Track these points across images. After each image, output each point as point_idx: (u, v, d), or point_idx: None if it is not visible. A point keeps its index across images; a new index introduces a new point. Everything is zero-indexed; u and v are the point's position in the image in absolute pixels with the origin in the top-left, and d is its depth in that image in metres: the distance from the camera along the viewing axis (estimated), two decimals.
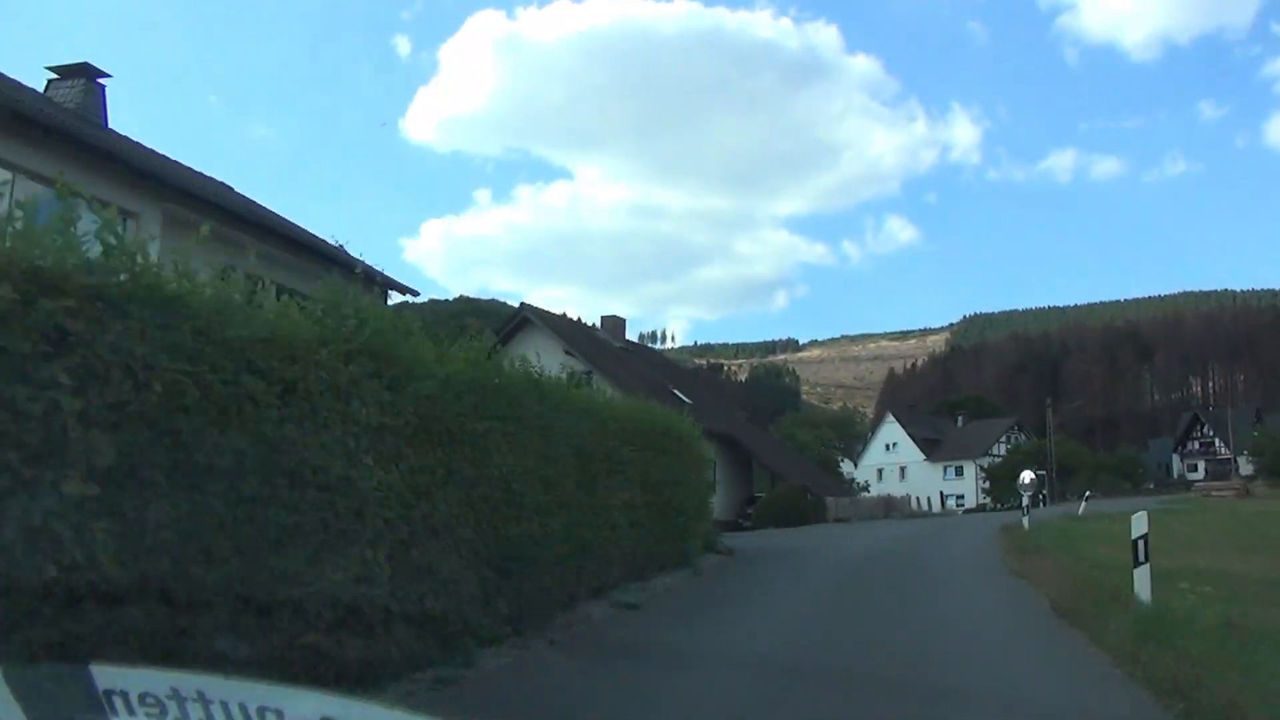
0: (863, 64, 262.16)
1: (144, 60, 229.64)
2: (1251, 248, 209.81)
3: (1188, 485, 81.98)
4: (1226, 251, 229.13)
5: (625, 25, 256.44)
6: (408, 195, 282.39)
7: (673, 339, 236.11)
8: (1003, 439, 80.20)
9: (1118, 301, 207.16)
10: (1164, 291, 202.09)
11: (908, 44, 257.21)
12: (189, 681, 1.72)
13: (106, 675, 1.82)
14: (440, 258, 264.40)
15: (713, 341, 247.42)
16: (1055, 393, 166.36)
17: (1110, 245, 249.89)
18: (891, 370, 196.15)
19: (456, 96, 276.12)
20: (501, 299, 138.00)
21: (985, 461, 74.13)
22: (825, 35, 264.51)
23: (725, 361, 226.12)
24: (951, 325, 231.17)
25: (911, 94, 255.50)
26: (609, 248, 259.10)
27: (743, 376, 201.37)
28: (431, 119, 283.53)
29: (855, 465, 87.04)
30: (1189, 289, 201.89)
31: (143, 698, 1.66)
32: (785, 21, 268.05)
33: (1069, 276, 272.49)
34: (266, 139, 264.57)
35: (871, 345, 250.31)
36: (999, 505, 61.75)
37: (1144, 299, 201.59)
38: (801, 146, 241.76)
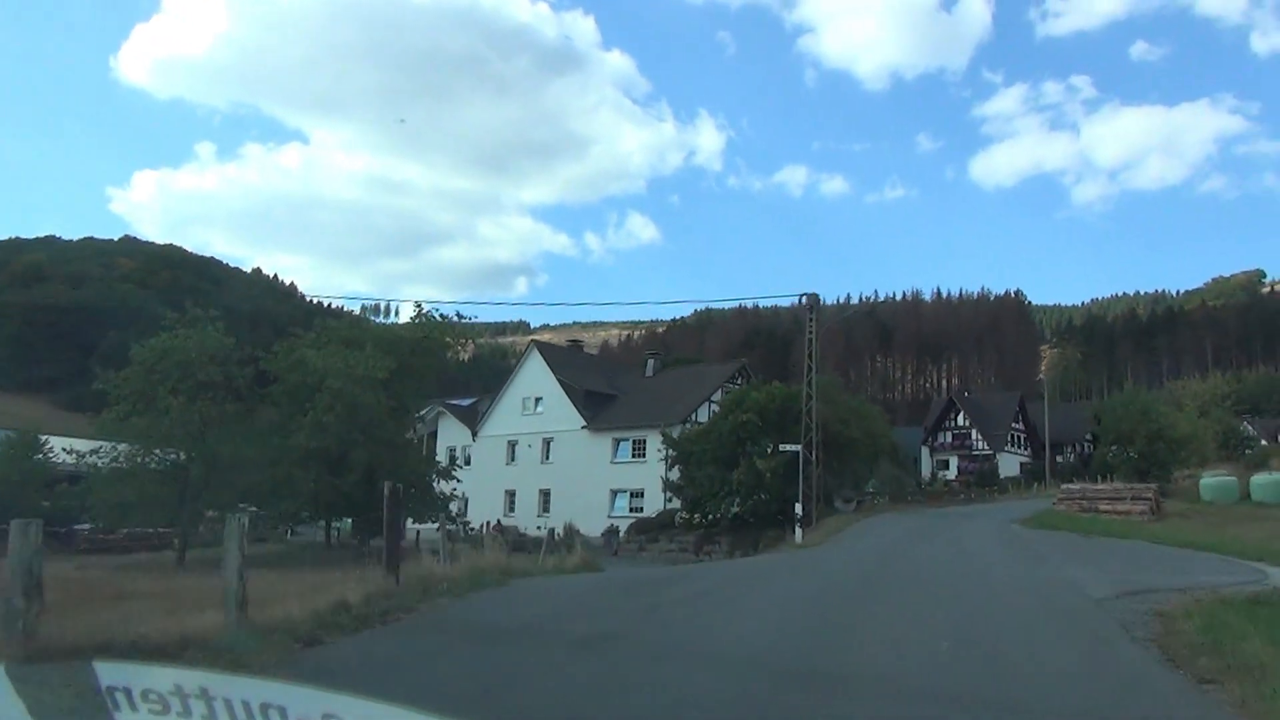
0: (618, 60, 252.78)
1: None
2: (955, 265, 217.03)
3: (991, 484, 54.09)
4: (935, 264, 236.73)
5: None
6: (117, 141, 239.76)
7: (396, 312, 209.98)
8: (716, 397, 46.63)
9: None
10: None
11: (662, 46, 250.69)
12: (192, 678, 1.81)
13: (110, 672, 1.89)
14: (153, 211, 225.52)
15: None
16: (785, 374, 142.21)
17: (836, 253, 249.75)
18: (605, 342, 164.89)
19: (179, 38, 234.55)
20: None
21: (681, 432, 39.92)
22: (583, 26, 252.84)
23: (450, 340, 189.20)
24: (683, 319, 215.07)
25: (662, 96, 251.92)
26: (345, 219, 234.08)
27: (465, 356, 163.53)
28: (148, 60, 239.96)
29: (473, 437, 50.44)
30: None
31: (146, 694, 1.66)
32: (543, 7, 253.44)
33: (800, 285, 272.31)
34: None
35: (602, 334, 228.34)
36: (690, 520, 28.83)
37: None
38: (552, 135, 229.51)
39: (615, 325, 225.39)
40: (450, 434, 52.26)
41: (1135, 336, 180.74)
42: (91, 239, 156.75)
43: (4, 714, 1.59)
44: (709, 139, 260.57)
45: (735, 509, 29.54)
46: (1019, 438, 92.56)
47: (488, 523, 47.81)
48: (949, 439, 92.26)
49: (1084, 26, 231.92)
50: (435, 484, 41.25)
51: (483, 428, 50.16)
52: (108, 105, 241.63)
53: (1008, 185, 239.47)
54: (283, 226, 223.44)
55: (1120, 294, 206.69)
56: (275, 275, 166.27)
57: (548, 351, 48.76)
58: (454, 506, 46.62)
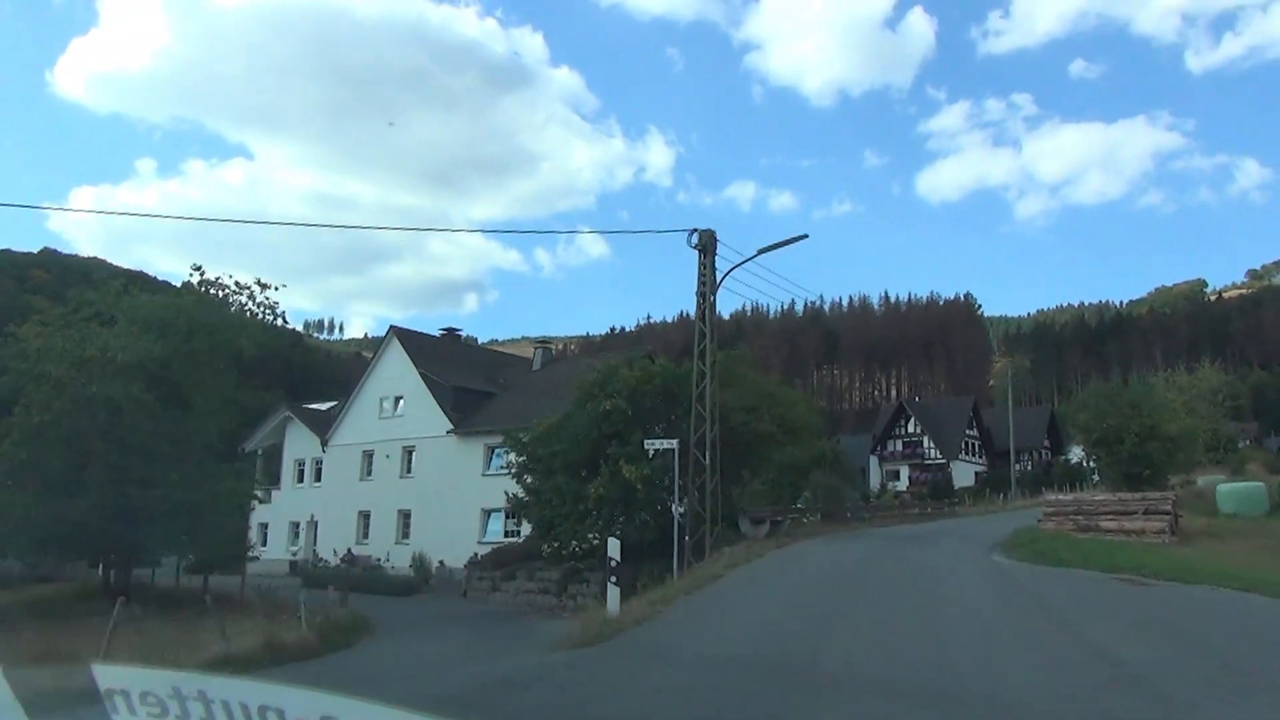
0: (566, 77, 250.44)
1: None
2: (904, 275, 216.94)
3: (952, 496, 46.42)
4: (884, 275, 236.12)
5: (318, 2, 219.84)
6: (53, 157, 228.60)
7: (340, 329, 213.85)
8: None
9: None
10: None
11: (610, 62, 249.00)
12: (190, 681, 1.74)
13: (108, 674, 1.85)
14: (92, 229, 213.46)
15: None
16: None
17: (784, 265, 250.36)
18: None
19: (117, 53, 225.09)
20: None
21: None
22: (532, 43, 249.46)
23: None
24: (623, 329, 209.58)
25: (612, 112, 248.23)
26: (290, 235, 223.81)
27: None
28: (85, 74, 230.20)
29: (323, 447, 41.18)
30: None
31: (144, 696, 1.66)
32: (491, 23, 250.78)
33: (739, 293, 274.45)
34: None
35: (554, 349, 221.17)
36: (558, 551, 20.34)
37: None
38: (501, 151, 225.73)
39: (564, 339, 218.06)
40: (299, 444, 42.80)
41: (1084, 343, 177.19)
42: (9, 251, 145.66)
43: (4, 715, 1.58)
44: (658, 155, 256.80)
45: (593, 537, 20.82)
46: (973, 445, 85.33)
47: (337, 552, 38.60)
48: (899, 447, 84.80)
49: (1024, 45, 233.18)
50: (247, 509, 32.00)
51: (334, 435, 40.75)
52: (44, 120, 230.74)
53: (953, 200, 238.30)
54: (226, 243, 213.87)
55: (1066, 305, 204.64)
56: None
57: (410, 340, 39.58)
58: (305, 532, 37.24)
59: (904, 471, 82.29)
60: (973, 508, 45.89)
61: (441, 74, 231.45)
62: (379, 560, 36.70)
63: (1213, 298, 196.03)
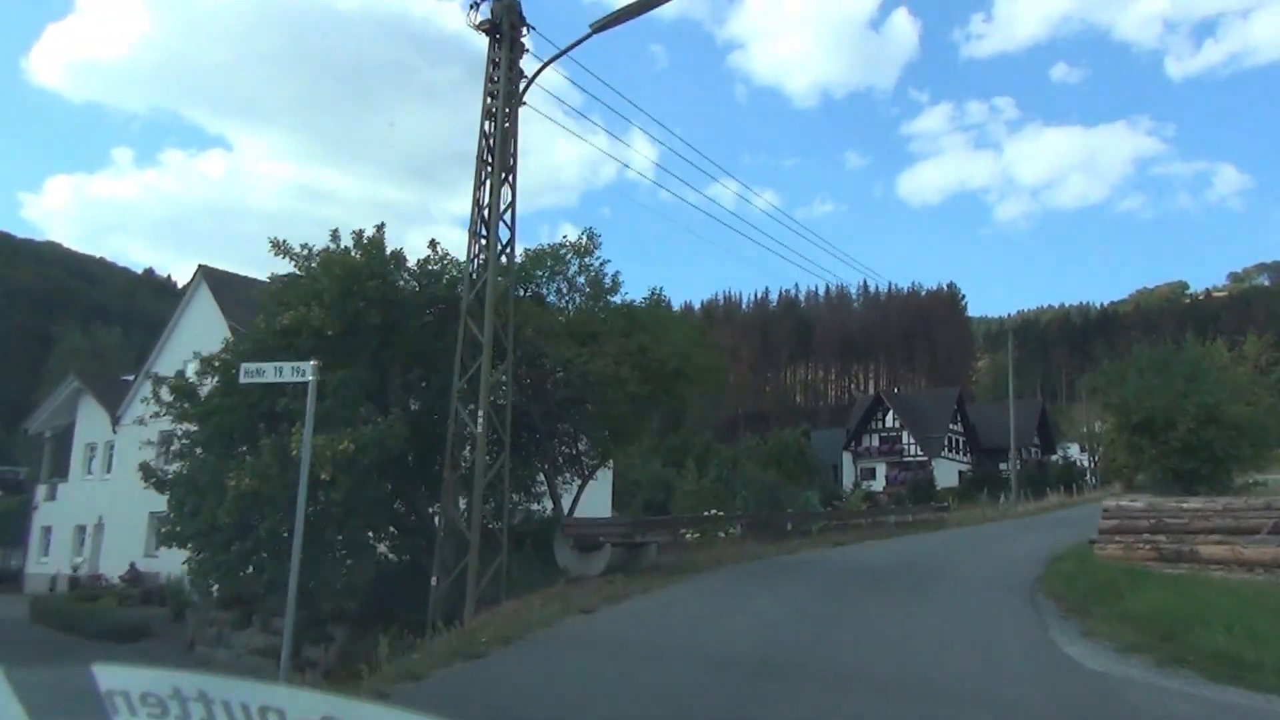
0: (549, 71, 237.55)
1: None
2: (885, 269, 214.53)
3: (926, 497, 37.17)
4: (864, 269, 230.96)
5: None
6: (28, 145, 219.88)
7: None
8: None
9: None
10: None
11: (594, 57, 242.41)
12: (190, 681, 1.71)
13: (108, 675, 1.80)
14: (69, 219, 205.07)
15: None
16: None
17: (764, 262, 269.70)
18: None
19: (95, 40, 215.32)
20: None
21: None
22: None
23: None
24: None
25: (595, 108, 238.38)
26: (271, 227, 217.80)
27: None
28: (61, 61, 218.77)
29: (114, 428, 31.31)
30: None
31: (144, 697, 1.65)
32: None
33: (716, 284, 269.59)
34: None
35: None
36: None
37: None
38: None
39: None
40: (92, 425, 32.81)
41: (1070, 340, 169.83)
42: None
43: (4, 715, 1.55)
44: (642, 152, 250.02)
45: (247, 567, 11.08)
46: (957, 441, 76.13)
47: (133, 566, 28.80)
48: (876, 443, 75.47)
49: (1006, 49, 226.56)
50: None
51: (128, 410, 30.78)
52: (19, 107, 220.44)
53: (934, 202, 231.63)
54: (206, 235, 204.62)
55: (1048, 306, 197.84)
56: (169, 276, 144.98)
57: (222, 285, 29.71)
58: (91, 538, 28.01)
59: (881, 470, 73.07)
60: (963, 513, 36.60)
61: (425, 67, 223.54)
62: (170, 578, 26.89)
63: (1190, 300, 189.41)
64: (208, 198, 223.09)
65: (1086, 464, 79.38)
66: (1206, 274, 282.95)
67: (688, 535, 17.72)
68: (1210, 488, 24.88)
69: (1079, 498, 52.40)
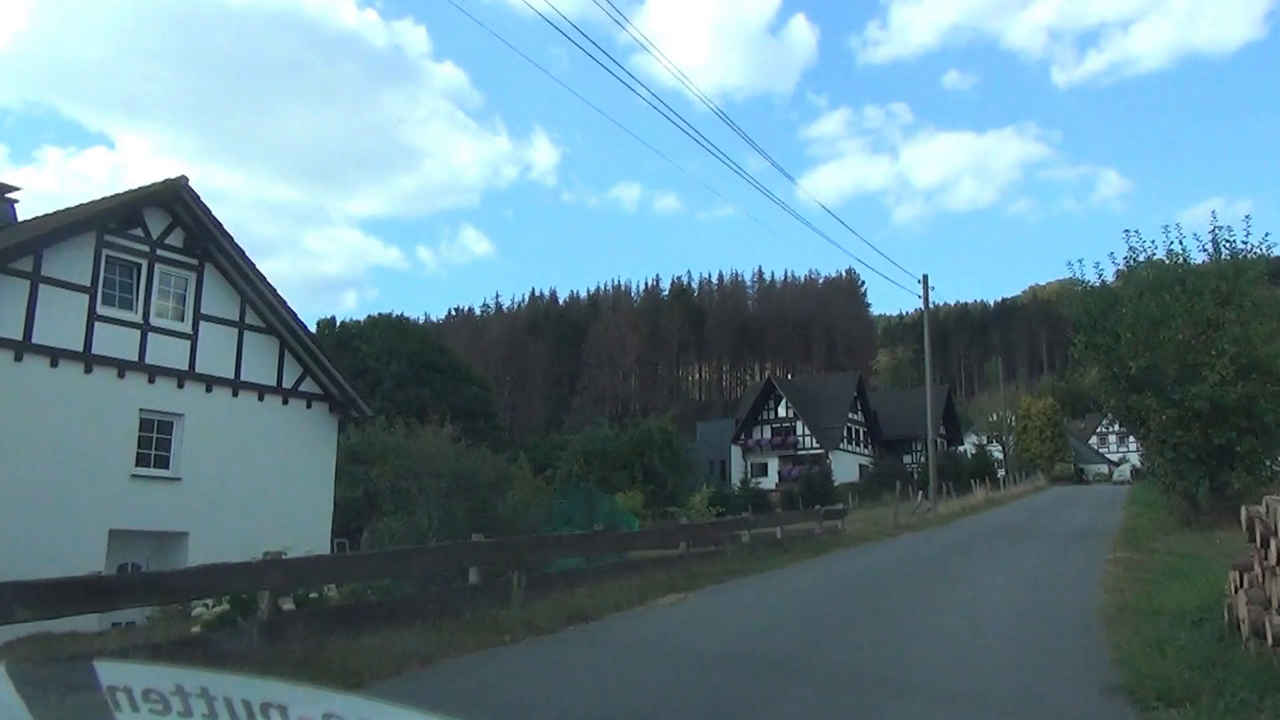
0: (450, 72, 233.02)
1: None
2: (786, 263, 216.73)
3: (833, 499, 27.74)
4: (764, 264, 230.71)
5: None
6: None
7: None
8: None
9: None
10: None
11: (495, 59, 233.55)
12: (193, 678, 1.71)
13: (111, 671, 1.84)
14: None
15: None
16: (576, 365, 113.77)
17: (667, 260, 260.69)
18: None
19: None
20: None
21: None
22: (414, 36, 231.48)
23: None
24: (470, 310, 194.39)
25: (496, 110, 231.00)
26: None
27: None
28: None
29: None
30: None
31: (147, 694, 1.62)
32: (372, 14, 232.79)
33: (610, 271, 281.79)
34: None
35: None
36: None
37: None
38: (382, 147, 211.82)
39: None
40: None
41: (969, 331, 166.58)
42: None
43: (4, 714, 1.54)
44: (544, 154, 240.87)
45: None
46: (857, 432, 67.65)
47: None
48: (767, 435, 66.31)
49: (901, 55, 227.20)
50: None
51: None
52: None
53: (834, 205, 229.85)
54: None
55: (944, 304, 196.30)
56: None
57: None
58: None
59: (773, 464, 63.99)
60: (866, 516, 26.88)
61: (319, 65, 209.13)
62: None
63: (1090, 289, 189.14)
64: (90, 198, 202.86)
65: (999, 455, 72.41)
66: (1094, 272, 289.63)
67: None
68: (1251, 475, 15.82)
69: (1004, 492, 44.05)
